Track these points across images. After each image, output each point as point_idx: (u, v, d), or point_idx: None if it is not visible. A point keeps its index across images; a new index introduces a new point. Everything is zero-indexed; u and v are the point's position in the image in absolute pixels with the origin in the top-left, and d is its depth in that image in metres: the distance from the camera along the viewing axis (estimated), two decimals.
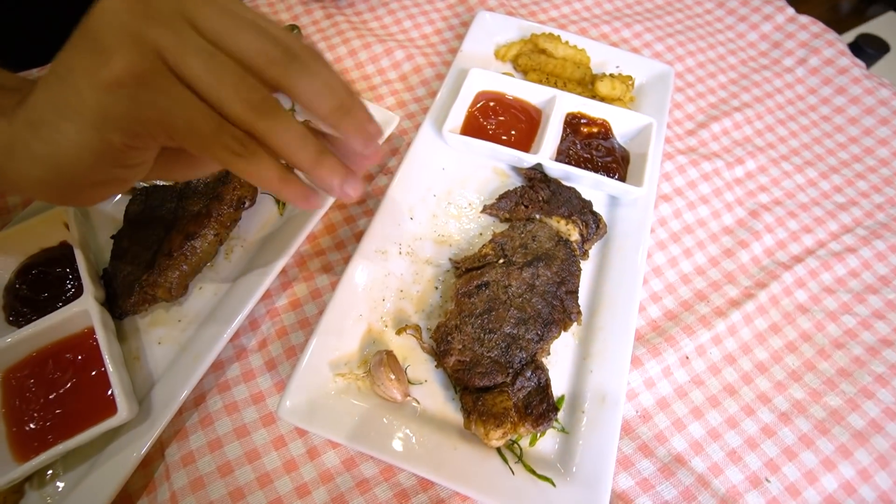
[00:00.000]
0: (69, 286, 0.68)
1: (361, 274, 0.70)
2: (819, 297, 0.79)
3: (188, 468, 0.62)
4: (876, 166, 0.91)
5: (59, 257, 0.70)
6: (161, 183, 0.77)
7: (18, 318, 0.66)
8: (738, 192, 0.89)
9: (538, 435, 0.63)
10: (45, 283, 0.68)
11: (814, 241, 0.84)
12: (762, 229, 0.84)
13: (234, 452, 0.63)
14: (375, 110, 0.84)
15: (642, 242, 0.75)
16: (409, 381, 0.66)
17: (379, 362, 0.63)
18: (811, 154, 0.93)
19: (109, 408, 0.60)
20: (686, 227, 0.84)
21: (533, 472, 0.59)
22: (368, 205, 0.83)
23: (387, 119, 0.82)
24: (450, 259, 0.75)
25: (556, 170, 0.78)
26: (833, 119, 0.97)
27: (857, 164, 0.92)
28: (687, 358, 0.73)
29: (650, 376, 0.71)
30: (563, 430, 0.64)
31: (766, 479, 0.65)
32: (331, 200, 0.73)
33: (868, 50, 1.46)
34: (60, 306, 0.66)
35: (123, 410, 0.57)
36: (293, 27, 1.00)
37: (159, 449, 0.64)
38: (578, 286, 0.71)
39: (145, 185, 0.77)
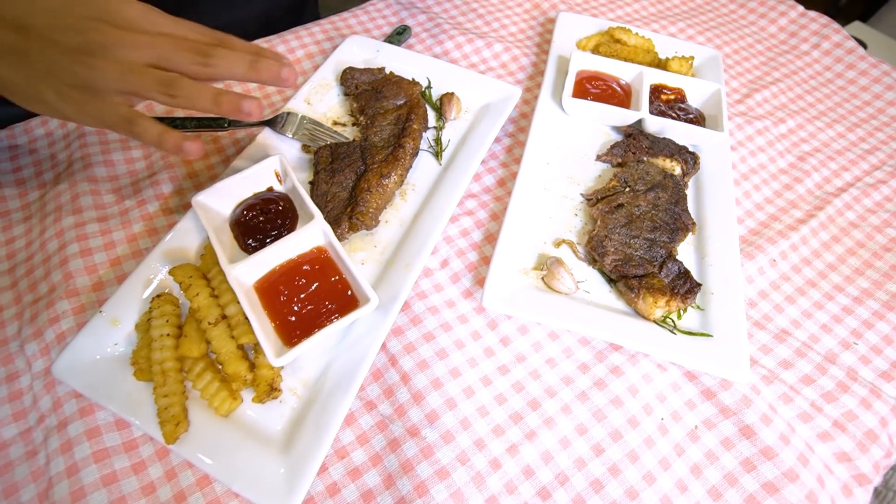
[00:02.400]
0: (282, 219, 0.82)
1: (520, 204, 0.87)
2: (865, 216, 1.00)
3: (411, 354, 0.76)
4: (889, 121, 1.15)
5: (271, 198, 0.84)
6: (339, 138, 0.93)
7: (248, 247, 0.80)
8: (785, 143, 1.11)
9: (682, 312, 0.79)
10: (264, 217, 0.82)
11: (852, 177, 1.06)
12: (810, 169, 1.06)
13: (445, 342, 0.78)
14: (501, 86, 1.03)
15: (727, 173, 0.95)
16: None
17: (555, 262, 0.80)
18: (836, 114, 1.17)
19: (351, 305, 0.74)
20: (751, 169, 1.05)
21: (690, 332, 0.76)
22: (501, 159, 1.01)
23: (511, 92, 1.02)
24: (581, 194, 0.93)
25: (655, 123, 0.98)
26: (848, 88, 1.21)
27: (874, 120, 1.15)
28: (774, 261, 0.91)
29: (749, 274, 0.89)
30: (698, 307, 0.81)
31: (854, 343, 0.83)
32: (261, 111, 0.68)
33: None
34: (276, 234, 0.80)
35: (375, 298, 0.71)
36: (404, 28, 1.20)
37: (380, 346, 0.77)
38: (687, 206, 0.89)
39: (322, 140, 0.93)
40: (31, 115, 1.03)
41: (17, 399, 0.72)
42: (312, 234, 0.78)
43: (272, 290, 0.75)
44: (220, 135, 1.01)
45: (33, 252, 0.85)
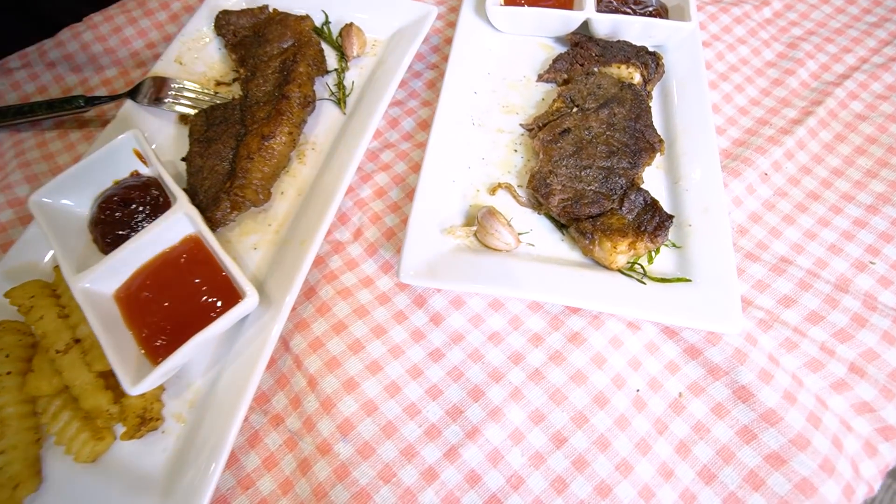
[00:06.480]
0: (151, 210, 0.67)
1: (443, 144, 0.70)
2: (874, 105, 0.81)
3: (319, 352, 0.62)
4: None
5: (135, 185, 0.68)
6: (219, 101, 0.76)
7: (112, 247, 0.64)
8: (771, 29, 0.91)
9: (654, 253, 0.63)
10: (128, 210, 0.66)
11: (856, 59, 0.86)
12: (804, 56, 0.86)
13: (360, 331, 0.63)
14: (410, 6, 0.83)
15: (701, 73, 0.76)
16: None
17: (488, 214, 0.63)
18: None
19: (229, 303, 0.59)
20: (731, 66, 0.86)
21: (663, 279, 0.60)
22: (424, 97, 0.83)
23: (424, 12, 0.82)
24: (520, 124, 0.75)
25: (605, 22, 0.79)
26: None
27: None
28: (766, 174, 0.74)
29: (736, 195, 0.72)
30: (674, 245, 0.64)
31: (871, 262, 0.67)
32: None
33: None
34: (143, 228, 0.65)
35: (252, 294, 0.56)
36: None
37: (282, 345, 0.63)
38: (652, 121, 0.72)
39: (200, 106, 0.76)
40: None
41: None
42: (176, 222, 0.62)
43: (135, 297, 0.60)
44: (86, 117, 0.84)
45: None
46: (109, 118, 0.83)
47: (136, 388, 0.52)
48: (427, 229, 0.64)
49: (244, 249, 0.68)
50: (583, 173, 0.66)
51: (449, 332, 0.63)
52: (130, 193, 0.67)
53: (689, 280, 0.59)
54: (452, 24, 0.91)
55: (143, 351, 0.57)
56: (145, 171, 0.70)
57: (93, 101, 0.79)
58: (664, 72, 0.78)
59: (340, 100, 0.78)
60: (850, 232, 0.70)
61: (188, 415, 0.59)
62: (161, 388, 0.60)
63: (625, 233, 0.60)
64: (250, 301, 0.56)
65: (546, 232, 0.67)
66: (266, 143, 0.68)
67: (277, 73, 0.75)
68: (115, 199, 0.66)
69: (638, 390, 0.59)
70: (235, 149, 0.70)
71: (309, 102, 0.73)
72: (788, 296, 0.64)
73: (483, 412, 0.58)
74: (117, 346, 0.55)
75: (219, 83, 0.82)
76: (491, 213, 0.63)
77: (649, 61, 0.76)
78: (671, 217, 0.61)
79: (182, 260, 0.62)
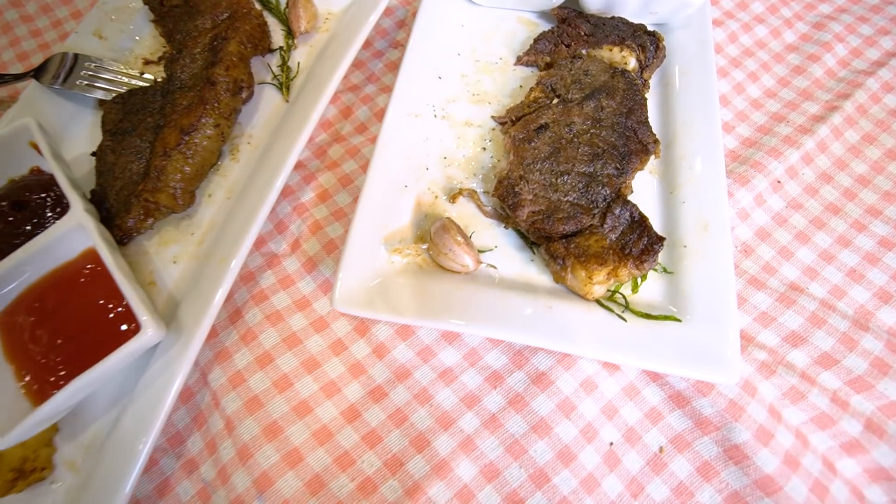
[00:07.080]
0: (56, 215, 0.57)
1: (397, 140, 0.59)
2: None
3: (239, 389, 0.53)
4: None
5: (33, 185, 0.58)
6: (140, 83, 0.66)
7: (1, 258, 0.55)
8: (795, 6, 0.78)
9: (640, 280, 0.53)
10: (17, 214, 0.56)
11: (894, 43, 0.74)
12: (832, 39, 0.74)
13: (289, 364, 0.54)
14: None
15: (709, 58, 0.64)
16: (478, 250, 0.56)
17: (442, 229, 0.53)
18: None
19: (130, 333, 0.50)
20: (745, 50, 0.74)
21: (648, 315, 0.50)
22: (384, 81, 0.71)
23: None
24: (492, 117, 0.64)
25: None
26: None
27: None
28: (779, 182, 0.63)
29: (742, 207, 0.62)
30: (665, 270, 0.54)
31: None
32: None
33: None
34: None
35: (149, 327, 0.47)
36: None
37: (201, 377, 0.54)
38: (647, 116, 0.60)
39: (121, 90, 0.65)
40: None
41: None
42: (71, 232, 0.52)
43: (21, 323, 0.51)
44: None
45: None
46: None
47: (2, 441, 0.44)
48: (370, 246, 0.54)
49: (163, 262, 0.58)
50: (559, 180, 0.55)
51: (393, 366, 0.54)
52: (25, 194, 0.57)
53: (679, 319, 0.49)
54: None
55: (23, 391, 0.48)
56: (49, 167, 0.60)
57: None
58: (665, 56, 0.66)
59: (283, 84, 0.67)
60: (875, 254, 0.59)
61: (84, 462, 0.50)
62: (54, 430, 0.51)
63: (604, 259, 0.49)
64: (149, 335, 0.47)
65: (513, 250, 0.57)
66: (186, 138, 0.57)
67: (207, 51, 0.63)
68: (5, 202, 0.56)
69: (611, 443, 0.50)
70: (153, 143, 0.59)
71: (242, 88, 0.62)
72: (797, 332, 0.54)
73: (427, 465, 0.49)
74: None
75: (147, 62, 0.71)
76: (445, 228, 0.53)
77: (647, 43, 0.64)
78: (662, 239, 0.51)
79: (82, 278, 0.52)
